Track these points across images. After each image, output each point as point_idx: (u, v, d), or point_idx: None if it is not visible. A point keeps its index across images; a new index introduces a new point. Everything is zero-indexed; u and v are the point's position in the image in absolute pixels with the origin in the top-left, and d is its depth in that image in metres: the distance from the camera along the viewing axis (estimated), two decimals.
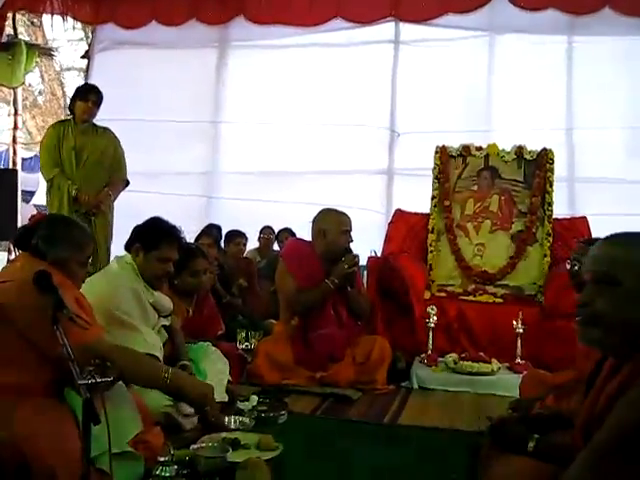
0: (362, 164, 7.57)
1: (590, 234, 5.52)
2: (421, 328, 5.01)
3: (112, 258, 3.85)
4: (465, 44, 7.42)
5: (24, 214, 8.67)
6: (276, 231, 7.31)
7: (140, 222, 3.66)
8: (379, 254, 5.68)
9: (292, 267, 4.68)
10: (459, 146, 5.89)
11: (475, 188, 5.82)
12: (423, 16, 7.32)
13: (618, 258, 1.74)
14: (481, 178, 5.80)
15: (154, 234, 3.54)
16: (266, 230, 7.39)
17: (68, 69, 16.65)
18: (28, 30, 13.41)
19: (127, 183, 5.91)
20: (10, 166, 9.56)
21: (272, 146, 7.77)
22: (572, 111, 7.18)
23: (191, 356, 3.80)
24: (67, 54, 15.95)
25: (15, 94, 9.32)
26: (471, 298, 5.53)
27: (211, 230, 6.36)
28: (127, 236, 3.64)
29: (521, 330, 4.79)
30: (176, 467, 2.71)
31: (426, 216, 5.87)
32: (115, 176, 5.74)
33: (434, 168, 5.85)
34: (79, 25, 14.14)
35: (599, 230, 5.56)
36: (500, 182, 5.78)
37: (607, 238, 1.83)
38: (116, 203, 5.95)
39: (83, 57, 8.89)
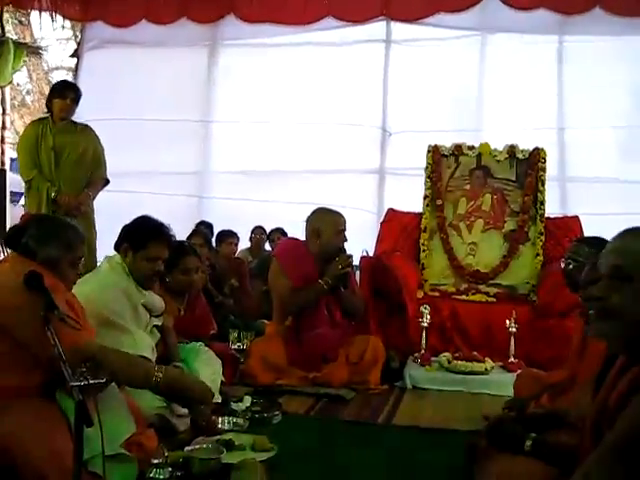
0: (354, 163, 7.56)
1: (582, 233, 5.52)
2: (414, 328, 4.99)
3: (99, 259, 3.81)
4: (456, 43, 7.43)
5: (13, 215, 8.63)
6: (268, 231, 7.27)
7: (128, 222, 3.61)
8: (371, 253, 5.66)
9: (285, 267, 4.65)
10: (451, 145, 5.89)
11: (467, 187, 5.82)
12: (414, 15, 7.32)
13: (634, 253, 1.71)
14: (473, 177, 5.80)
15: (143, 233, 3.49)
16: (257, 230, 7.36)
17: (56, 68, 16.55)
18: (16, 29, 13.33)
19: (107, 182, 5.73)
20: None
21: (263, 145, 7.75)
22: (563, 110, 7.20)
23: (183, 356, 3.77)
24: (55, 53, 15.89)
25: (3, 93, 9.27)
26: (464, 297, 5.52)
27: (202, 229, 6.32)
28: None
29: (514, 329, 4.78)
30: (170, 469, 2.69)
31: (419, 215, 5.86)
32: (95, 175, 5.57)
33: (426, 167, 5.84)
34: (68, 24, 14.12)
35: (591, 229, 5.58)
36: (492, 181, 5.78)
37: (625, 232, 1.80)
38: (106, 203, 5.91)
39: (72, 56, 8.84)
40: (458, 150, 5.85)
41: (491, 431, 2.76)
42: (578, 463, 2.18)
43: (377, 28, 7.52)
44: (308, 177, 7.64)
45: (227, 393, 3.85)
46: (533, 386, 3.63)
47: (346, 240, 4.70)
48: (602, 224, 5.48)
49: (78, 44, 8.76)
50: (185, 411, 3.29)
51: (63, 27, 14.97)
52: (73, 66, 11.83)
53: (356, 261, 5.22)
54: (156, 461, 2.69)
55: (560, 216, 5.98)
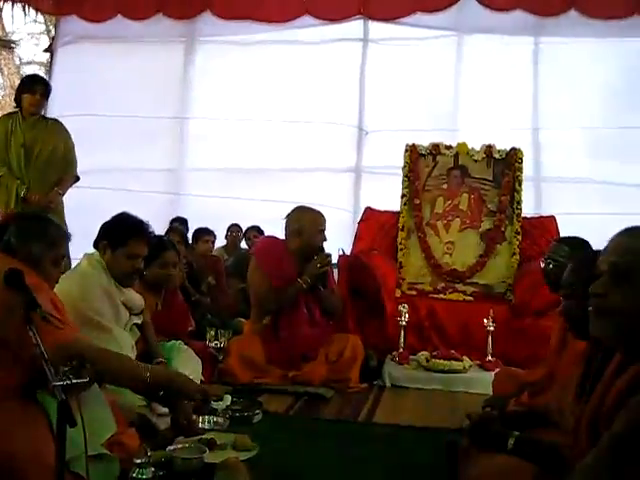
0: (330, 162, 7.56)
1: (558, 233, 5.58)
2: (392, 326, 5.01)
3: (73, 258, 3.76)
4: (433, 43, 7.47)
5: None
6: (244, 229, 7.24)
7: (106, 219, 3.56)
8: (347, 252, 5.67)
9: (264, 265, 4.64)
10: (429, 145, 5.91)
11: (445, 187, 5.85)
12: (392, 14, 7.34)
13: (635, 251, 1.71)
14: (451, 177, 5.83)
15: (121, 230, 3.45)
16: (233, 228, 7.33)
17: (28, 63, 16.33)
18: None
19: (77, 179, 5.62)
20: None
21: (239, 143, 7.71)
22: (538, 111, 7.27)
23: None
24: (28, 48, 15.66)
25: None
26: (441, 296, 5.55)
27: (178, 226, 6.28)
28: (93, 234, 3.54)
29: (492, 328, 4.81)
30: (153, 469, 2.65)
31: (396, 214, 5.87)
32: (65, 173, 5.45)
33: (404, 166, 5.86)
34: (40, 18, 13.95)
35: (566, 229, 5.64)
36: (470, 181, 5.81)
37: (625, 230, 1.81)
38: (79, 200, 5.84)
39: (46, 51, 8.73)
40: (436, 149, 5.87)
41: (474, 430, 2.77)
42: (561, 461, 2.21)
43: (354, 27, 7.53)
44: (284, 175, 7.62)
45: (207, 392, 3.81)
46: (512, 384, 3.66)
47: (326, 239, 4.70)
48: (577, 224, 5.57)
49: (52, 39, 8.65)
50: (165, 410, 3.26)
51: (35, 21, 14.82)
52: (45, 61, 11.72)
53: (334, 260, 5.23)
54: (139, 461, 2.65)
55: (536, 216, 6.05)
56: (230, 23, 7.61)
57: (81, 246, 3.53)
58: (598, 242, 3.28)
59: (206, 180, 7.81)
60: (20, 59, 16.54)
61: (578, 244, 3.37)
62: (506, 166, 5.75)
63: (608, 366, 1.85)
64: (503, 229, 5.68)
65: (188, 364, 3.78)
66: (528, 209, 6.16)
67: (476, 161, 5.80)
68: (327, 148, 7.56)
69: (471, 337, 5.08)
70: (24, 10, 8.31)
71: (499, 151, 5.80)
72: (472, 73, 7.35)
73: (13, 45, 9.59)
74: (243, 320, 5.64)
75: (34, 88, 5.31)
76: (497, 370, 4.27)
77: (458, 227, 5.75)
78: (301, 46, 7.65)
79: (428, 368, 4.69)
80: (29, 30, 15.74)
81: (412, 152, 5.87)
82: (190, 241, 6.28)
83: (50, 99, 5.68)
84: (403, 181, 5.85)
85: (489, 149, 5.80)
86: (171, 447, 2.90)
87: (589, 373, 2.27)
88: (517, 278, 5.48)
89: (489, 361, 4.79)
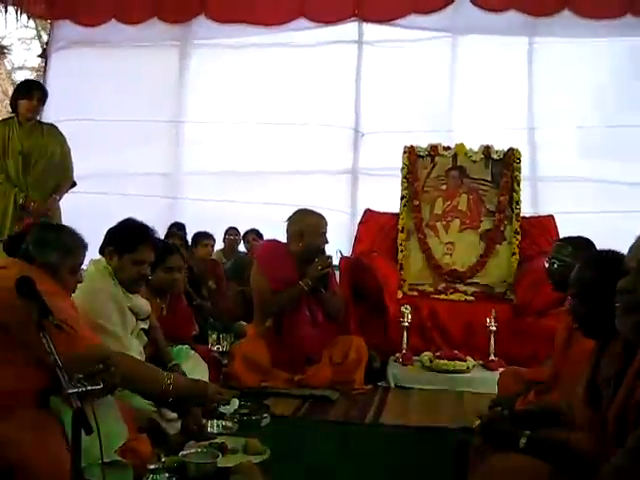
0: (326, 164, 7.58)
1: (557, 232, 5.61)
2: (394, 328, 5.02)
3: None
4: (428, 45, 7.49)
5: None
6: (242, 232, 7.24)
7: (102, 224, 3.54)
8: (345, 254, 5.68)
9: (266, 268, 4.64)
10: (427, 146, 5.93)
11: (444, 187, 5.87)
12: (386, 16, 7.36)
13: None
14: (449, 178, 5.86)
15: (128, 236, 3.44)
16: (231, 231, 7.33)
17: (20, 68, 16.30)
18: None
19: (73, 184, 5.61)
20: None
21: (236, 146, 7.72)
22: (533, 111, 7.30)
23: None
24: (19, 53, 15.63)
25: None
26: (443, 297, 5.58)
27: (177, 230, 6.28)
28: (89, 239, 3.52)
29: (494, 328, 4.84)
30: (167, 475, 2.66)
31: (396, 216, 5.89)
32: (62, 179, 5.44)
33: (403, 168, 5.88)
34: (31, 23, 13.90)
35: (563, 228, 5.68)
36: (468, 181, 5.84)
37: None
38: (76, 205, 5.81)
39: (40, 56, 8.70)
40: (434, 151, 5.90)
41: (485, 429, 2.79)
42: (574, 459, 2.23)
43: (349, 29, 7.54)
44: (281, 178, 7.63)
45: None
46: (517, 384, 3.67)
47: (327, 242, 4.71)
48: (574, 223, 5.60)
49: (46, 44, 8.62)
50: (174, 415, 3.27)
51: (26, 26, 14.78)
52: (37, 66, 11.68)
53: (335, 262, 5.24)
54: (152, 466, 2.66)
55: (535, 215, 6.08)
56: (225, 26, 7.61)
57: None
58: (594, 240, 3.34)
59: (203, 184, 7.80)
60: (12, 65, 16.53)
61: (582, 243, 3.39)
62: (504, 166, 5.78)
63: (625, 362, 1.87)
64: (502, 229, 5.71)
65: (195, 369, 3.78)
66: (525, 209, 6.18)
67: (474, 162, 5.84)
68: (323, 150, 7.58)
69: (473, 337, 5.11)
70: (17, 15, 8.29)
71: (497, 151, 5.83)
72: (467, 74, 7.37)
73: (6, 51, 9.53)
74: (244, 323, 5.65)
75: (31, 94, 5.26)
76: (502, 369, 4.29)
77: (458, 228, 5.78)
78: (296, 48, 7.66)
79: (432, 368, 4.71)
80: (20, 35, 15.74)
81: (411, 153, 5.89)
82: (189, 245, 6.28)
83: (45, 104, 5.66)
84: (402, 182, 5.87)
85: (487, 150, 5.83)
86: (184, 452, 2.91)
87: (598, 372, 2.29)
88: (518, 278, 5.51)
89: (492, 360, 4.81)
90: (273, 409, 3.86)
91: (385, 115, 7.50)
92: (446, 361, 4.70)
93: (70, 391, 2.02)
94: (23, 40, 16.06)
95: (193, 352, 3.95)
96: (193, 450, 2.92)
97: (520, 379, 3.70)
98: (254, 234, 7.04)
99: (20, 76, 15.51)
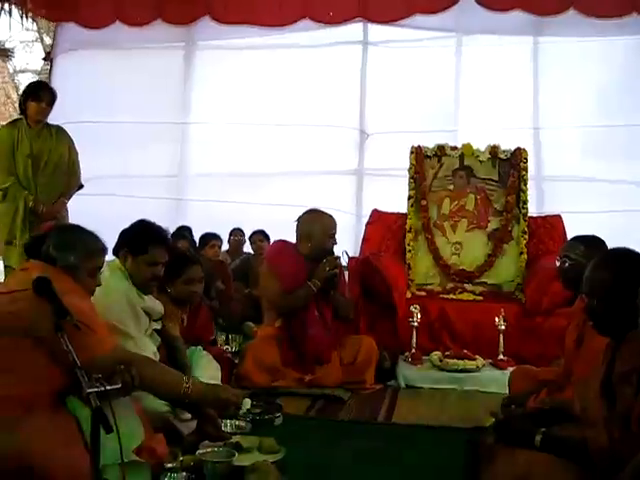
0: (332, 165, 7.59)
1: (565, 232, 5.63)
2: (403, 327, 5.03)
3: None
4: (433, 45, 7.51)
5: None
6: (248, 233, 7.25)
7: (108, 226, 3.52)
8: (351, 254, 5.69)
9: (275, 269, 4.65)
10: (434, 146, 5.94)
11: (451, 187, 5.88)
12: (391, 17, 7.34)
13: None
14: (457, 177, 5.87)
15: (142, 238, 3.46)
16: (236, 232, 7.34)
17: (22, 71, 16.36)
18: None
19: (81, 186, 5.61)
20: None
21: (241, 147, 7.73)
22: (539, 110, 7.31)
23: None
24: (21, 56, 15.68)
25: None
26: (451, 296, 5.58)
27: (184, 233, 6.29)
28: None
29: (503, 327, 4.85)
30: (185, 474, 2.68)
31: (403, 216, 5.90)
32: (71, 182, 5.44)
33: (410, 168, 5.88)
34: (34, 26, 13.92)
35: (569, 227, 5.69)
36: (475, 181, 5.85)
37: None
38: (83, 207, 5.81)
39: (45, 59, 8.72)
40: (441, 151, 5.91)
41: (500, 427, 2.80)
42: (589, 455, 2.25)
43: (354, 30, 7.54)
44: (286, 179, 7.65)
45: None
46: (528, 382, 3.68)
47: (336, 243, 4.72)
48: (580, 222, 5.61)
49: (51, 46, 8.64)
50: (189, 416, 3.28)
51: (28, 29, 14.81)
52: (39, 68, 11.69)
53: (343, 263, 5.25)
54: (170, 465, 2.68)
55: (542, 215, 6.08)
56: (229, 28, 7.59)
57: None
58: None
59: (208, 185, 7.81)
60: (14, 67, 16.57)
61: (593, 242, 3.39)
62: (511, 166, 5.79)
63: None
64: (510, 229, 5.72)
65: (208, 370, 3.79)
66: (530, 208, 6.18)
67: (481, 162, 5.85)
68: (329, 151, 7.59)
69: (482, 336, 5.11)
70: (21, 17, 8.30)
71: (504, 151, 5.84)
72: (472, 74, 7.38)
73: (10, 54, 9.54)
74: (252, 324, 5.67)
75: (40, 96, 5.26)
76: (511, 368, 4.29)
77: (465, 227, 5.79)
78: (301, 50, 7.66)
79: (442, 368, 4.71)
80: (22, 38, 15.78)
81: (417, 153, 5.90)
82: (197, 246, 6.29)
83: None
84: (409, 182, 5.88)
85: (494, 149, 5.84)
86: (200, 451, 2.92)
87: (613, 369, 2.31)
88: (526, 277, 5.52)
89: (501, 360, 4.82)
90: (285, 408, 3.86)
91: (390, 116, 7.51)
92: (456, 360, 4.71)
93: (90, 390, 2.04)
94: (25, 43, 16.15)
95: (205, 353, 3.95)
96: (209, 449, 2.94)
97: (531, 378, 3.71)
98: (260, 235, 7.05)
99: (23, 79, 15.58)
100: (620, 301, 2.35)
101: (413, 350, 4.89)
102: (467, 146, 5.88)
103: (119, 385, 2.35)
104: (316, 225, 4.64)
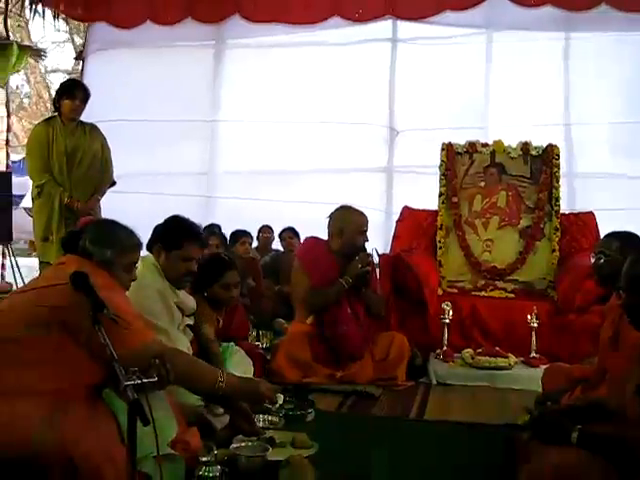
0: (361, 162, 7.58)
1: (598, 229, 5.57)
2: (435, 324, 5.01)
3: None
4: (462, 41, 7.47)
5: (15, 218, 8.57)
6: (278, 230, 7.26)
7: (139, 224, 3.55)
8: (381, 252, 5.67)
9: (307, 265, 4.67)
10: (465, 143, 5.90)
11: (482, 184, 5.84)
12: (420, 14, 7.33)
13: None
14: (488, 174, 5.82)
15: (175, 233, 3.49)
16: (265, 229, 7.35)
17: (54, 71, 16.58)
18: (12, 32, 13.26)
19: (113, 183, 5.68)
20: (1, 169, 9.48)
21: (270, 145, 7.75)
22: (570, 107, 7.24)
23: None
24: (52, 56, 15.91)
25: (7, 97, 9.22)
26: (483, 294, 5.55)
27: (215, 229, 6.31)
28: None
29: (536, 324, 4.81)
30: (219, 467, 2.68)
31: (434, 213, 5.87)
32: (104, 178, 5.51)
33: (441, 165, 5.86)
34: (64, 27, 14.09)
35: (600, 225, 5.63)
36: (507, 178, 5.80)
37: None
38: (114, 205, 5.87)
39: (76, 58, 8.81)
40: (472, 147, 5.87)
41: (535, 424, 2.78)
42: (628, 452, 2.22)
43: (383, 27, 7.53)
44: (316, 176, 7.66)
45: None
46: (562, 380, 3.65)
47: (367, 240, 4.72)
48: (611, 220, 5.54)
49: (82, 46, 8.73)
50: (222, 410, 3.30)
51: (59, 30, 15.01)
52: (70, 68, 11.79)
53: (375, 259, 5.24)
54: (205, 459, 2.69)
55: (575, 212, 6.02)
56: (259, 26, 7.63)
57: None
58: None
59: (237, 183, 7.85)
60: (46, 67, 16.79)
61: (629, 238, 3.35)
62: (543, 163, 5.74)
63: None
64: (542, 226, 5.67)
65: (241, 365, 3.81)
66: (562, 205, 6.12)
67: (513, 158, 5.80)
68: (358, 148, 7.59)
69: (513, 334, 5.08)
70: (54, 18, 8.41)
71: (536, 148, 5.79)
72: (502, 70, 7.33)
73: (43, 54, 9.65)
74: (282, 321, 5.68)
75: (74, 94, 5.33)
76: (544, 366, 4.26)
77: (497, 225, 5.75)
78: (330, 47, 7.67)
79: (473, 365, 4.69)
80: (53, 39, 15.99)
81: (448, 150, 5.87)
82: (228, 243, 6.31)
83: None
84: (440, 179, 5.85)
85: (525, 146, 5.79)
86: (234, 445, 2.93)
87: None
88: (558, 274, 5.47)
89: (533, 357, 4.78)
90: (317, 404, 3.87)
91: (420, 113, 7.49)
92: (488, 358, 4.68)
93: (127, 383, 2.05)
94: (57, 44, 16.37)
95: (238, 348, 3.98)
96: (243, 444, 2.94)
97: (565, 375, 3.68)
98: (290, 232, 7.06)
99: (54, 79, 15.79)
100: None
101: (445, 347, 4.87)
102: (498, 143, 5.84)
103: (155, 378, 2.36)
104: (348, 221, 4.65)
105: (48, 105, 15.33)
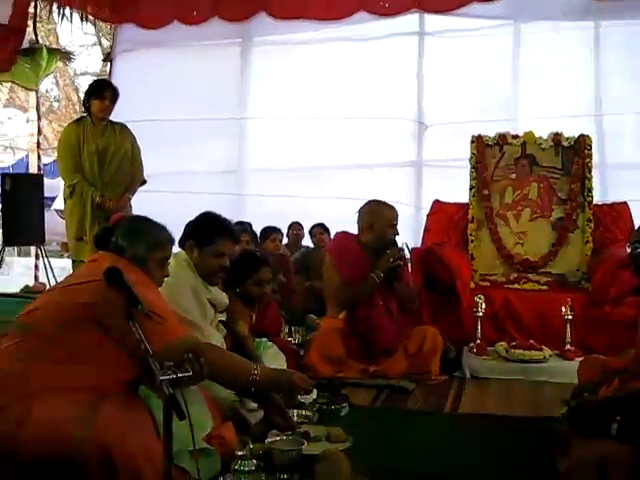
0: (390, 157, 7.54)
1: (632, 220, 5.49)
2: (467, 318, 4.98)
3: None
4: (490, 33, 7.38)
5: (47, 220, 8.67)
6: (307, 227, 7.27)
7: (169, 222, 3.57)
8: (411, 247, 5.65)
9: (338, 261, 4.66)
10: (495, 135, 5.85)
11: (513, 176, 5.78)
12: (447, 6, 7.26)
13: None
14: (519, 166, 5.77)
15: (207, 229, 3.50)
16: (295, 226, 7.35)
17: (82, 74, 16.75)
18: (42, 37, 13.43)
19: (144, 182, 5.72)
20: (32, 172, 9.61)
21: (299, 141, 7.74)
22: (601, 97, 7.12)
23: None
24: (80, 59, 16.08)
25: (37, 100, 9.34)
26: (516, 286, 5.50)
27: (246, 227, 6.32)
28: None
29: (570, 317, 4.75)
30: (254, 461, 2.69)
31: (465, 206, 5.83)
32: (134, 177, 5.55)
33: (471, 157, 5.81)
34: (91, 30, 14.24)
35: (635, 216, 5.55)
36: (538, 170, 5.74)
37: None
38: (143, 204, 5.90)
39: (104, 60, 8.90)
40: (502, 139, 5.81)
41: (573, 416, 2.75)
42: None
43: (410, 20, 7.48)
44: (345, 172, 7.65)
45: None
46: (598, 372, 3.60)
47: (398, 234, 4.69)
48: None
49: (110, 47, 8.80)
50: (255, 405, 3.30)
51: (86, 33, 15.18)
52: (99, 71, 11.92)
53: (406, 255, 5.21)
54: (240, 453, 2.69)
55: (608, 203, 5.93)
56: (285, 22, 7.62)
57: None
58: None
59: (267, 180, 7.86)
60: (75, 71, 16.97)
61: None
62: (575, 153, 5.67)
63: None
64: (575, 217, 5.60)
65: (274, 361, 3.81)
66: (594, 196, 6.05)
67: (544, 149, 5.73)
68: (387, 143, 7.54)
69: (547, 326, 5.02)
70: (81, 21, 8.49)
71: (567, 139, 5.72)
72: (531, 61, 7.23)
73: (72, 56, 9.76)
74: (314, 316, 5.68)
75: (103, 93, 5.36)
76: (579, 358, 4.21)
77: (529, 217, 5.69)
78: (357, 42, 7.62)
79: (508, 358, 4.65)
80: (81, 42, 16.17)
81: (478, 143, 5.82)
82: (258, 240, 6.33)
83: None
84: (471, 172, 5.80)
85: (557, 137, 5.72)
86: (269, 439, 2.93)
87: None
88: (592, 266, 5.39)
89: (568, 350, 4.72)
90: (351, 399, 3.86)
91: (448, 106, 7.42)
92: (522, 351, 4.63)
93: (162, 378, 2.06)
94: (84, 47, 16.54)
95: (271, 344, 3.99)
96: (278, 438, 2.94)
97: (601, 367, 3.62)
98: (320, 228, 7.05)
99: (83, 82, 15.96)
100: None
101: (478, 341, 4.82)
102: (529, 134, 5.78)
103: (190, 373, 2.36)
104: (377, 215, 4.63)
105: (77, 108, 15.50)
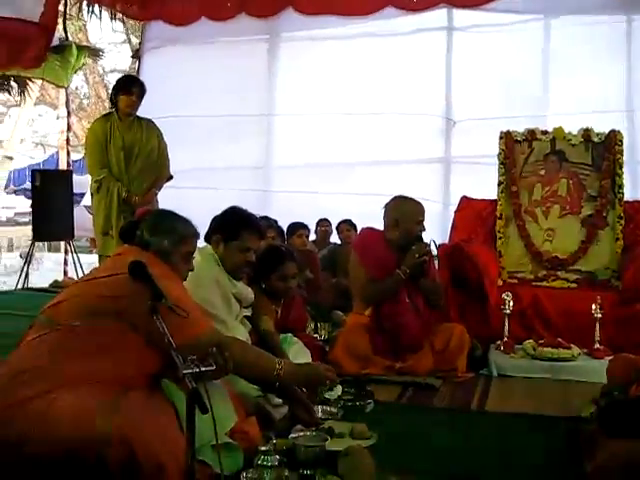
0: (418, 153, 7.54)
1: None
2: (495, 315, 4.92)
3: None
4: (520, 28, 7.33)
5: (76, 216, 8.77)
6: (335, 223, 7.25)
7: (196, 218, 3.57)
8: (438, 243, 5.60)
9: (364, 257, 4.63)
10: (524, 130, 5.76)
11: (542, 173, 5.69)
12: (476, 1, 7.24)
13: None
14: (548, 162, 5.68)
15: (233, 224, 3.51)
16: (322, 222, 7.35)
17: (112, 71, 16.92)
18: (72, 34, 13.56)
19: (170, 177, 5.74)
20: (62, 168, 9.71)
21: (327, 138, 7.76)
22: (632, 92, 7.03)
23: None
24: (110, 57, 16.27)
25: (67, 97, 9.44)
26: (545, 284, 5.42)
27: (272, 222, 6.32)
28: None
29: (599, 315, 4.67)
30: (278, 457, 2.67)
31: (493, 202, 5.76)
32: (161, 173, 5.58)
33: (499, 153, 5.74)
34: (121, 28, 14.36)
35: None
36: (568, 166, 5.64)
37: None
38: (170, 199, 5.93)
39: (133, 57, 8.97)
40: (531, 135, 5.73)
41: (602, 415, 2.71)
42: None
43: (438, 16, 7.46)
44: (372, 168, 7.66)
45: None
46: (629, 371, 3.54)
47: (424, 230, 4.65)
48: None
49: (139, 44, 8.86)
50: (279, 401, 3.30)
51: (115, 31, 15.32)
52: (128, 68, 12.02)
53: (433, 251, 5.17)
54: (264, 448, 2.68)
55: (638, 200, 5.83)
56: (313, 18, 7.65)
57: None
58: None
59: (294, 176, 7.88)
60: (103, 68, 17.13)
61: None
62: (606, 149, 5.56)
63: None
64: (605, 214, 5.50)
65: (299, 356, 3.80)
66: (625, 193, 5.95)
67: (574, 145, 5.64)
68: (415, 139, 7.53)
69: (576, 325, 4.93)
70: (111, 19, 8.57)
71: (597, 134, 5.61)
72: (561, 56, 7.18)
73: (101, 54, 9.88)
74: (340, 313, 5.66)
75: (130, 89, 5.40)
76: (609, 357, 4.14)
77: (558, 213, 5.60)
78: (385, 38, 7.64)
79: (535, 357, 4.57)
80: (111, 40, 16.32)
81: (507, 139, 5.74)
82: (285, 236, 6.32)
83: None
84: (499, 168, 5.73)
85: (587, 133, 5.62)
86: (293, 435, 2.92)
87: None
88: (623, 264, 5.29)
89: (597, 349, 4.65)
90: (376, 395, 3.83)
91: (477, 102, 7.40)
92: (550, 349, 4.55)
93: (186, 372, 2.05)
94: (113, 44, 16.70)
95: (296, 340, 3.98)
96: (302, 434, 2.94)
97: (632, 366, 3.56)
98: (347, 224, 7.04)
99: (112, 79, 16.12)
100: None
101: (505, 338, 4.76)
102: (559, 130, 5.69)
103: (213, 367, 2.36)
104: (403, 211, 4.59)
105: (106, 105, 15.61)
